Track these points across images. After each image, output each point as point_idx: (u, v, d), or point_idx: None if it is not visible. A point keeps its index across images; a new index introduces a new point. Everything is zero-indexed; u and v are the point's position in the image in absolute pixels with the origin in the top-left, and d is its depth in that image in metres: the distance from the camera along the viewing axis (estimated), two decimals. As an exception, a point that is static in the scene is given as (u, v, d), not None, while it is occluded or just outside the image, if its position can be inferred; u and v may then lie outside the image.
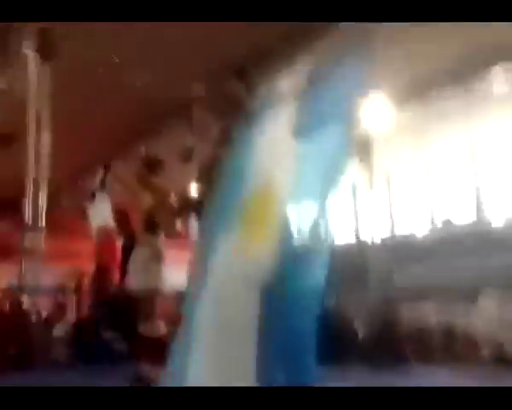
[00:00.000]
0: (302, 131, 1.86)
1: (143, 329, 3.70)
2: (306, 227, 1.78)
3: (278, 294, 1.69)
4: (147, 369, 3.44)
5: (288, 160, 1.83)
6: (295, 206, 1.84)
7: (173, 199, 3.67)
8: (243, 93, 2.47)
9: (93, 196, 4.63)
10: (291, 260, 1.73)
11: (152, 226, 3.53)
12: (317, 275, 1.75)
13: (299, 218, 1.81)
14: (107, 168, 4.68)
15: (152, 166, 3.94)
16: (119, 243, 4.45)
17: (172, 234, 3.80)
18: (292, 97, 1.99)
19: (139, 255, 3.71)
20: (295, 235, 1.80)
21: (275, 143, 1.89)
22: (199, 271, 1.84)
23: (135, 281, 3.68)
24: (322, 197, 1.78)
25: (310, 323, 1.73)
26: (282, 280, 1.69)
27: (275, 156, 1.88)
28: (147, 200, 3.75)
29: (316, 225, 1.77)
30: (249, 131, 2.03)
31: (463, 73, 9.36)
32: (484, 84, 9.41)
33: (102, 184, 4.49)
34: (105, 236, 4.41)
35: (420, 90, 10.01)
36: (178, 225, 3.79)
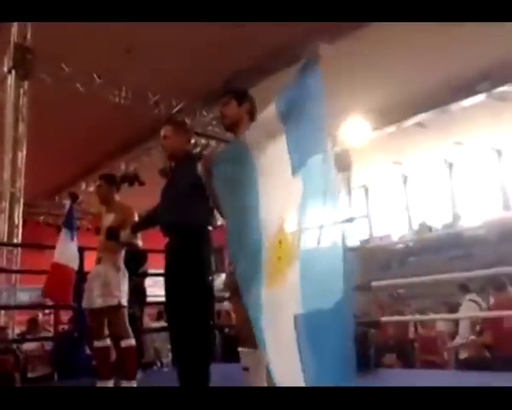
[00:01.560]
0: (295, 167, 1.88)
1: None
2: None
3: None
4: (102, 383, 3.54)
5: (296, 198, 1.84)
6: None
7: (136, 216, 3.72)
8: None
9: (59, 229, 4.50)
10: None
11: (113, 237, 3.57)
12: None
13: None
14: (73, 198, 4.52)
15: (129, 180, 3.97)
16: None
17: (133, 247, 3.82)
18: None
19: (102, 272, 3.74)
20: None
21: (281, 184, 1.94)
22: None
23: (96, 297, 3.72)
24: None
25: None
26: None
27: (283, 198, 1.92)
28: (109, 218, 3.80)
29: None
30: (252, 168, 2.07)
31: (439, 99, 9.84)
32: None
33: (69, 214, 4.35)
34: (61, 274, 4.35)
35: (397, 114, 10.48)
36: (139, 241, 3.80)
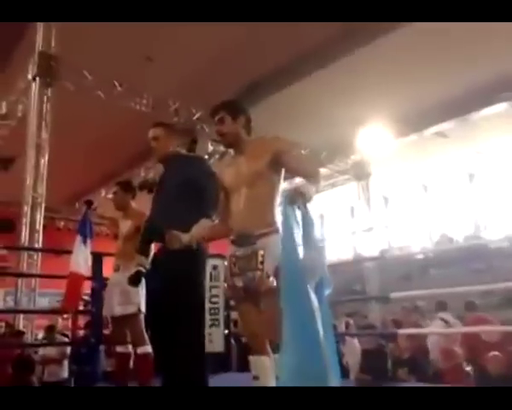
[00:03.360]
0: None
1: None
2: None
3: None
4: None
5: None
6: None
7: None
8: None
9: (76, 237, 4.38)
10: None
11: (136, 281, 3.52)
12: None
13: None
14: (88, 205, 4.46)
15: (148, 188, 3.98)
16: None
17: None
18: None
19: (120, 280, 3.72)
20: None
21: None
22: None
23: (115, 305, 3.71)
24: None
25: None
26: None
27: None
28: (126, 225, 3.79)
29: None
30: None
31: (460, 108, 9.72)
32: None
33: (83, 221, 4.29)
34: (74, 282, 4.23)
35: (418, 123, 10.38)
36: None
